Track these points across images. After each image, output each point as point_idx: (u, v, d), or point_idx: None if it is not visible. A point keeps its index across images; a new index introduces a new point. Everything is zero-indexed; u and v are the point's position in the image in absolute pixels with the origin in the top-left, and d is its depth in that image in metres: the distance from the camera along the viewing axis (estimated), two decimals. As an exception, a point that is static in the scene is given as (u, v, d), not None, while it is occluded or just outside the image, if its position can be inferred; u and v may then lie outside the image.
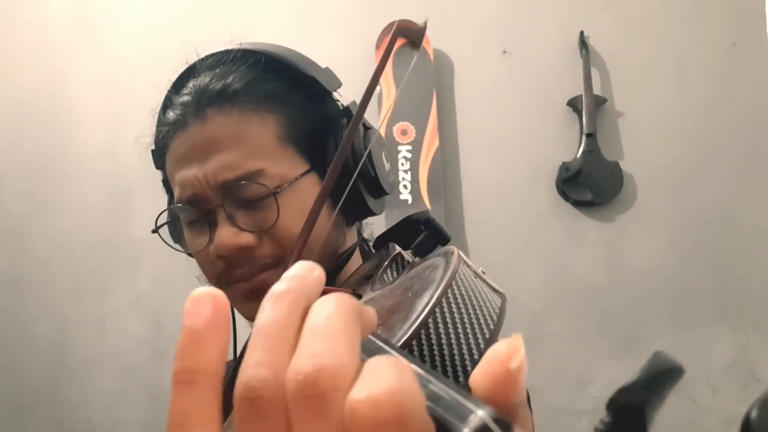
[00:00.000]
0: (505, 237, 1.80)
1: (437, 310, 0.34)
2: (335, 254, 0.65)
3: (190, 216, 0.63)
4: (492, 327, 0.36)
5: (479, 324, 0.35)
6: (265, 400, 0.21)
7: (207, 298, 0.25)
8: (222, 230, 0.60)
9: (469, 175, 1.85)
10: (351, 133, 0.50)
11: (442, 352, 0.33)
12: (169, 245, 0.66)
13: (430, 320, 0.34)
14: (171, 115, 0.64)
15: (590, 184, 1.76)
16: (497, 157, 1.84)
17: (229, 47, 0.66)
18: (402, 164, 1.82)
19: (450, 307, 0.35)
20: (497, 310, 0.37)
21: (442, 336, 0.33)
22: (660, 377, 0.21)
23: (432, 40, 1.86)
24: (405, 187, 1.81)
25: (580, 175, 1.76)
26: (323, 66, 0.67)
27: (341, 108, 0.67)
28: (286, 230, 0.60)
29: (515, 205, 1.81)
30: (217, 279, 0.63)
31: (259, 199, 0.60)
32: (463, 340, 0.34)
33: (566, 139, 1.81)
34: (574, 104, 1.81)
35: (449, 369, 0.33)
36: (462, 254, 0.40)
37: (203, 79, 0.64)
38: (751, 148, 1.74)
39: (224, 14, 1.98)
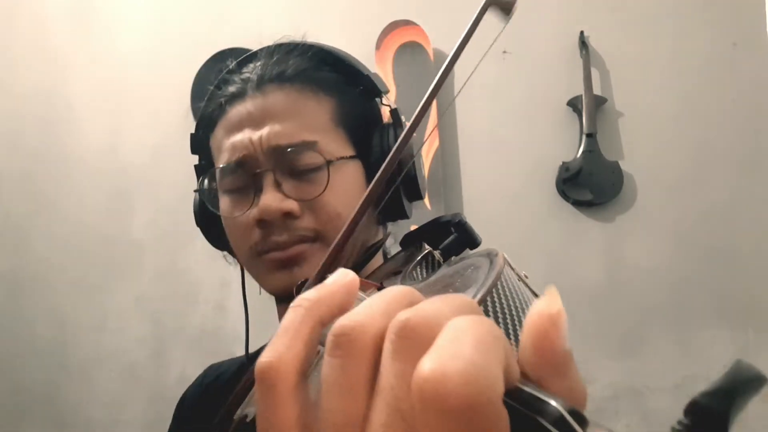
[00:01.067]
0: (505, 237, 1.79)
1: (481, 306, 0.33)
2: (364, 247, 0.66)
3: (235, 181, 0.64)
4: None
5: (521, 325, 0.35)
6: (354, 338, 0.22)
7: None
8: (267, 194, 0.60)
9: (469, 175, 1.85)
10: (409, 133, 0.52)
11: None
12: (210, 208, 0.66)
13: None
14: (230, 88, 0.66)
15: (590, 184, 1.76)
16: (497, 157, 1.84)
17: (288, 40, 0.68)
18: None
19: (494, 306, 0.34)
20: None
21: None
22: (743, 385, 0.21)
23: (432, 40, 1.86)
24: (405, 187, 1.81)
25: (580, 175, 1.76)
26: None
27: (390, 111, 0.69)
28: (329, 205, 0.61)
29: (515, 205, 1.81)
30: (252, 249, 0.63)
31: (309, 170, 0.61)
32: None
33: (566, 139, 1.81)
34: (574, 104, 1.81)
35: None
36: (506, 256, 0.40)
37: (264, 62, 0.66)
38: (751, 148, 1.74)
39: (224, 14, 1.98)
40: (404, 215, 0.67)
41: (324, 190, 0.61)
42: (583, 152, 1.77)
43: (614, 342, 1.71)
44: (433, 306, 0.22)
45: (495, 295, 0.34)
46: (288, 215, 0.61)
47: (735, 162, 1.74)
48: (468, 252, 0.54)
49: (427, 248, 0.59)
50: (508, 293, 0.36)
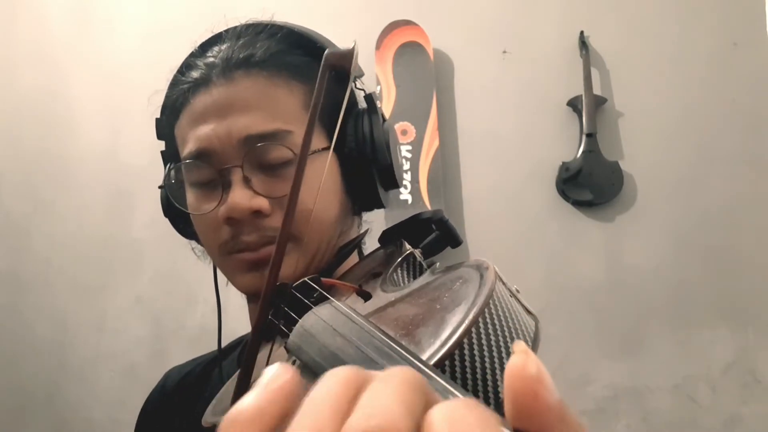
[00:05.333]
0: (505, 237, 1.80)
1: (473, 329, 0.32)
2: (339, 240, 0.63)
3: (201, 175, 0.60)
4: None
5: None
6: None
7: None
8: (236, 191, 0.57)
9: (469, 175, 1.85)
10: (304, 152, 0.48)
11: (475, 374, 0.31)
12: (175, 204, 0.63)
13: (465, 340, 0.31)
14: (194, 73, 0.62)
15: (590, 184, 1.76)
16: (497, 157, 1.84)
17: (255, 21, 0.65)
18: (402, 164, 1.82)
19: (486, 328, 0.32)
20: (532, 335, 0.35)
21: (476, 358, 0.31)
22: None
23: (432, 40, 1.86)
24: (405, 187, 1.81)
25: (580, 175, 1.76)
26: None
27: (364, 96, 0.65)
28: (301, 202, 0.57)
29: (515, 204, 1.81)
30: (221, 247, 0.60)
31: (280, 165, 0.58)
32: (497, 364, 0.32)
33: (566, 139, 1.81)
34: (574, 104, 1.81)
35: (480, 393, 0.31)
36: (497, 270, 0.37)
37: (231, 45, 0.62)
38: (751, 148, 1.74)
39: (224, 14, 1.98)
40: (379, 204, 0.64)
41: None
42: (583, 152, 1.77)
43: (614, 342, 1.71)
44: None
45: (487, 314, 0.33)
46: (257, 213, 0.57)
47: (735, 162, 1.74)
48: (458, 262, 0.52)
49: (408, 248, 0.56)
50: (501, 312, 0.34)
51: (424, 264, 0.54)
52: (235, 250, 0.59)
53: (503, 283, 0.37)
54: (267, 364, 0.45)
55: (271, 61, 0.61)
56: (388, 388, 0.21)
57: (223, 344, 0.80)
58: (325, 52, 0.51)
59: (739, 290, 1.69)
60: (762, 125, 1.75)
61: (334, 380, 0.22)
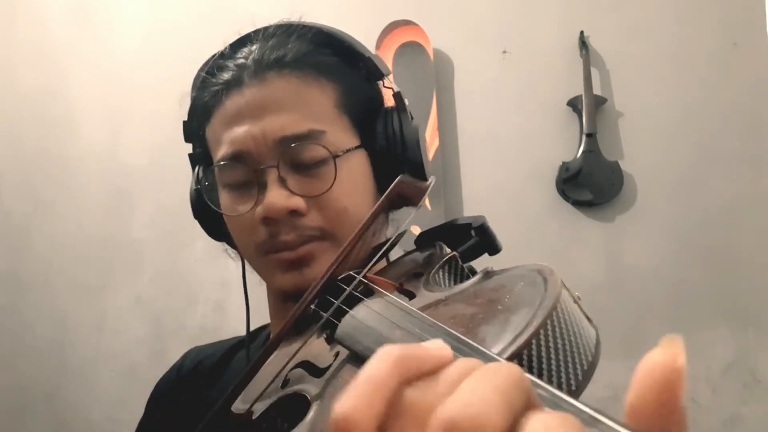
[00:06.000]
0: (505, 237, 1.78)
1: (542, 331, 0.31)
2: (374, 239, 0.63)
3: (236, 176, 0.60)
4: (590, 359, 0.33)
5: (579, 354, 0.32)
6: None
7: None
8: (273, 191, 0.57)
9: (469, 175, 1.85)
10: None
11: (541, 377, 0.30)
12: (212, 207, 0.62)
13: (534, 341, 0.30)
14: (225, 75, 0.62)
15: (590, 184, 1.76)
16: (497, 157, 1.84)
17: (285, 22, 0.66)
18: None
19: (553, 331, 0.32)
20: (594, 343, 0.34)
21: (543, 360, 0.31)
22: None
23: (432, 40, 1.86)
24: (405, 187, 1.81)
25: (580, 175, 1.76)
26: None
27: (393, 94, 0.66)
28: (337, 201, 0.58)
29: (515, 205, 1.81)
30: (258, 247, 0.60)
31: (315, 164, 0.58)
32: (562, 368, 0.31)
33: (566, 139, 1.81)
34: (574, 104, 1.81)
35: None
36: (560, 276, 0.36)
37: (261, 46, 0.63)
38: (751, 148, 1.74)
39: (223, 14, 1.98)
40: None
41: (331, 186, 0.57)
42: (583, 152, 1.77)
43: (614, 342, 1.71)
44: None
45: (555, 317, 0.32)
46: (294, 213, 0.57)
47: (735, 162, 1.74)
48: (516, 267, 0.51)
49: (448, 251, 0.56)
50: (567, 316, 0.33)
51: (465, 268, 0.54)
52: (273, 250, 0.59)
53: (567, 289, 0.36)
54: (297, 354, 0.45)
55: (302, 61, 0.61)
56: (492, 379, 0.21)
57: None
58: (399, 177, 0.55)
59: (739, 290, 1.69)
60: (762, 125, 1.75)
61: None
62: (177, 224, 1.86)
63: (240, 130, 0.58)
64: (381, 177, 0.62)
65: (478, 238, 0.58)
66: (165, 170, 1.94)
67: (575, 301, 0.36)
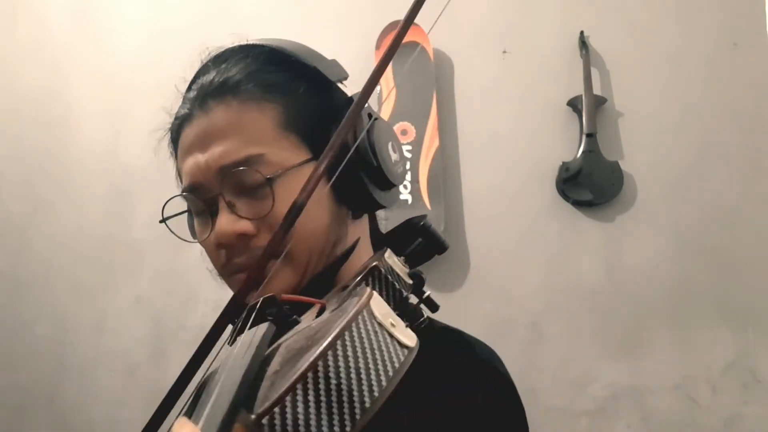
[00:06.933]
0: (505, 237, 1.80)
1: (300, 383, 0.29)
2: (334, 249, 0.63)
3: (195, 205, 0.64)
4: (370, 400, 0.30)
5: (353, 401, 0.30)
6: None
7: None
8: (221, 218, 0.60)
9: (469, 175, 1.85)
10: (350, 119, 0.49)
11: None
12: (175, 235, 0.67)
13: (288, 397, 0.29)
14: (180, 110, 0.66)
15: (590, 184, 1.76)
16: (497, 157, 1.84)
17: (237, 43, 0.66)
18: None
19: (336, 361, 0.30)
20: (396, 365, 0.32)
21: (300, 415, 0.29)
22: None
23: (432, 40, 1.86)
24: (405, 187, 1.81)
25: (580, 175, 1.76)
26: (330, 58, 0.67)
27: (347, 99, 0.65)
28: (281, 218, 0.58)
29: (515, 205, 1.81)
30: (221, 269, 0.64)
31: (257, 187, 0.60)
32: (328, 416, 0.29)
33: (566, 139, 1.81)
34: (574, 104, 1.81)
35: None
36: (372, 301, 0.34)
37: (209, 75, 0.65)
38: (751, 148, 1.74)
39: (224, 14, 1.98)
40: (377, 205, 0.64)
41: (272, 207, 0.58)
42: (583, 152, 1.78)
43: (614, 342, 1.71)
44: None
45: (339, 349, 0.31)
46: (243, 236, 0.60)
47: (735, 162, 1.74)
48: (361, 288, 0.48)
49: (374, 262, 0.53)
50: (347, 356, 0.31)
51: (390, 277, 0.51)
52: (232, 272, 0.63)
53: (373, 317, 0.34)
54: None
55: (242, 84, 0.62)
56: None
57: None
58: None
59: (739, 290, 1.69)
60: (762, 125, 1.75)
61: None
62: (177, 224, 1.85)
63: (191, 162, 0.62)
64: (338, 187, 0.60)
65: (421, 239, 0.58)
66: (165, 170, 1.94)
67: (382, 328, 0.34)
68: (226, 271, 0.63)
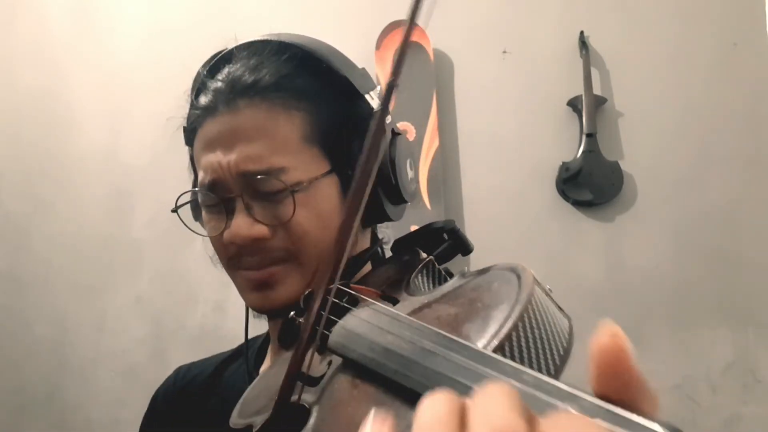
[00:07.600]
0: (505, 237, 1.80)
1: (520, 323, 0.33)
2: (351, 255, 0.64)
3: (210, 200, 0.65)
4: (565, 345, 0.35)
5: (555, 341, 0.34)
6: None
7: None
8: (238, 219, 0.61)
9: (469, 175, 1.85)
10: (375, 142, 0.49)
11: (523, 365, 0.31)
12: (187, 227, 0.68)
13: (514, 333, 0.33)
14: (203, 99, 0.65)
15: (590, 184, 1.76)
16: (497, 157, 1.84)
17: (268, 38, 0.66)
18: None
19: (530, 322, 0.34)
20: (567, 331, 0.36)
21: (524, 349, 0.33)
22: None
23: (432, 40, 1.86)
24: (405, 187, 1.81)
25: (580, 175, 1.76)
26: (360, 66, 0.67)
27: (372, 111, 0.66)
28: (300, 227, 0.61)
29: (515, 205, 1.81)
30: (228, 262, 0.65)
31: (277, 194, 0.61)
32: (541, 355, 0.33)
33: (566, 139, 1.81)
34: (574, 104, 1.81)
35: None
36: (532, 271, 0.39)
37: (238, 69, 0.64)
38: (751, 148, 1.74)
39: (224, 14, 1.98)
40: (388, 218, 0.66)
41: (292, 216, 0.60)
42: (583, 152, 1.77)
43: (614, 342, 1.71)
44: None
45: (531, 310, 0.34)
46: (258, 240, 0.61)
47: (735, 162, 1.74)
48: (489, 266, 0.52)
49: (425, 256, 0.58)
50: (541, 309, 0.35)
51: (443, 271, 0.56)
52: (240, 266, 0.64)
53: (539, 284, 0.38)
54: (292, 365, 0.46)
55: (275, 86, 0.62)
56: (496, 401, 0.22)
57: (229, 347, 0.82)
58: None
59: (739, 290, 1.69)
60: (762, 125, 1.75)
61: (437, 406, 0.23)
62: (177, 224, 1.85)
63: (212, 158, 0.62)
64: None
65: (450, 241, 0.61)
66: (165, 170, 1.94)
67: (547, 294, 0.38)
68: (233, 264, 0.64)
